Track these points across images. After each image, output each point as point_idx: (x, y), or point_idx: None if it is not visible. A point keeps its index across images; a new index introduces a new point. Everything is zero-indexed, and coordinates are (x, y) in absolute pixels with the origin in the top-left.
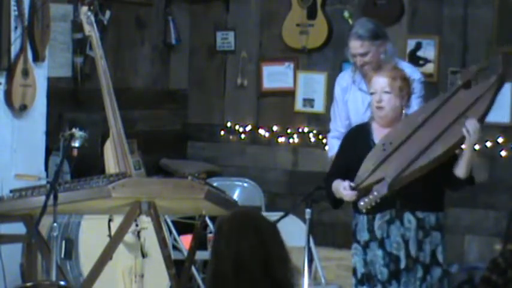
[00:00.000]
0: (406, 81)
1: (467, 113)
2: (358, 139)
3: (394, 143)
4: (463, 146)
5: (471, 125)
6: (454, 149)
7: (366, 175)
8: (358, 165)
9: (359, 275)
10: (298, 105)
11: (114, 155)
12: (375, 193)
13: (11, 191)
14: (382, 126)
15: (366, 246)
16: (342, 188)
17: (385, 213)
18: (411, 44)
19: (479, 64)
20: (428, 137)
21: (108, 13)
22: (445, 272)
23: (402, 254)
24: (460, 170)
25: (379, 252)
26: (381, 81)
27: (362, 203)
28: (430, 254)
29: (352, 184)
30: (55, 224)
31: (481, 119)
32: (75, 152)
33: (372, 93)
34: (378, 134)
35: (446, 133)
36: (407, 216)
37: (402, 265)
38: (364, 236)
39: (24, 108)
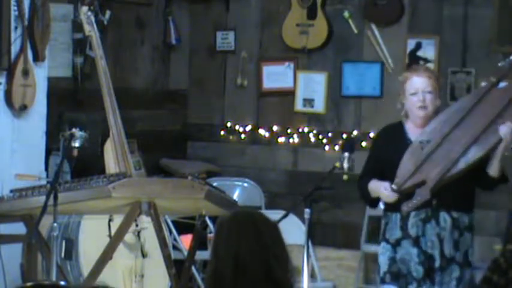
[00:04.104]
0: (439, 81)
1: (503, 114)
2: (392, 139)
3: (432, 141)
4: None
5: (507, 128)
6: (492, 151)
7: (406, 176)
8: (394, 165)
9: (381, 274)
10: (298, 105)
11: (114, 155)
12: (418, 197)
13: (11, 191)
14: (419, 126)
15: (396, 245)
16: (383, 189)
17: (420, 212)
18: (411, 44)
19: (510, 60)
20: (466, 139)
21: (108, 13)
22: (473, 275)
23: (437, 253)
24: (493, 169)
25: (414, 250)
26: (421, 81)
27: (405, 208)
28: (463, 254)
29: (394, 186)
30: (55, 224)
31: None
32: (75, 152)
33: (412, 94)
34: (414, 134)
35: (483, 136)
36: (443, 216)
37: (437, 264)
38: (395, 234)
39: (24, 108)
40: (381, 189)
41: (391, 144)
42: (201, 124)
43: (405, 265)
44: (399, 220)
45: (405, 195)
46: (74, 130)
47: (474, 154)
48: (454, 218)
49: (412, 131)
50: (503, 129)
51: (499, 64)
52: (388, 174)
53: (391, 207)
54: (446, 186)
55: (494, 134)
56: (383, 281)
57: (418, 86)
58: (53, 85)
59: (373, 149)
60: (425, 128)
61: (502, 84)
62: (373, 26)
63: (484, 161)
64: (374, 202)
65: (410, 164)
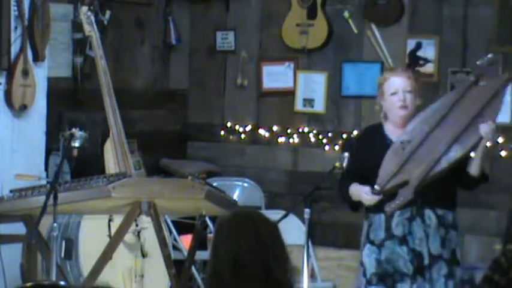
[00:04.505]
0: (418, 81)
1: (483, 113)
2: (372, 140)
3: (413, 142)
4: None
5: (487, 126)
6: (472, 150)
7: (388, 177)
8: (374, 166)
9: (368, 275)
10: (298, 105)
11: (114, 155)
12: (401, 198)
13: (11, 191)
14: (399, 126)
15: (380, 245)
16: (364, 193)
17: (405, 211)
18: (411, 44)
19: (488, 58)
20: (448, 138)
21: (108, 13)
22: (473, 275)
23: (425, 251)
24: (474, 168)
25: (403, 249)
26: (401, 81)
27: (388, 209)
28: (451, 252)
29: (376, 187)
30: (55, 224)
31: (495, 119)
32: (75, 152)
33: (392, 94)
34: (394, 134)
35: (464, 134)
36: (428, 213)
37: (426, 262)
38: (380, 235)
39: (24, 108)
40: (361, 194)
41: (371, 146)
42: (201, 124)
43: (391, 264)
44: (383, 221)
45: (388, 196)
46: (74, 130)
47: (456, 153)
48: (439, 216)
49: (392, 131)
50: (483, 128)
51: (477, 62)
52: (369, 176)
53: (374, 209)
54: (430, 185)
55: (475, 132)
56: (369, 283)
57: (398, 86)
58: (53, 85)
59: (355, 151)
60: (406, 128)
61: (482, 83)
62: (373, 26)
63: (465, 161)
64: (355, 206)
65: (392, 164)
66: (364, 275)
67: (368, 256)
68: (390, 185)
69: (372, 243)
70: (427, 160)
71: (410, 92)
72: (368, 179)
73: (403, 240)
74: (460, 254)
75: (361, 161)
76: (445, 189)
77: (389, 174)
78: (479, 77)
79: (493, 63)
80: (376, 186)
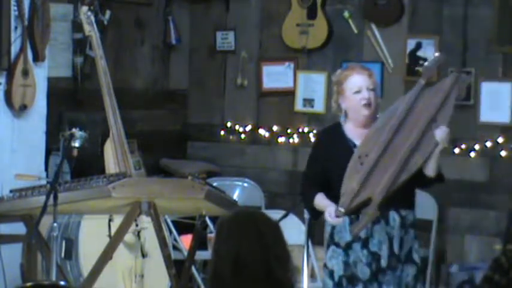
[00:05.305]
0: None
1: (436, 117)
2: (332, 141)
3: (370, 155)
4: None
5: (442, 132)
6: (430, 155)
7: (351, 197)
8: (337, 167)
9: (337, 278)
10: (298, 105)
11: (114, 155)
12: (366, 217)
13: (11, 191)
14: (362, 125)
15: (347, 248)
16: (328, 215)
17: None
18: (411, 44)
19: (436, 57)
20: (405, 147)
21: (108, 13)
22: (420, 270)
23: (385, 253)
24: (431, 169)
25: (364, 252)
26: (363, 79)
27: (356, 230)
28: (408, 251)
29: (341, 209)
30: (55, 224)
31: (448, 122)
32: (75, 152)
33: (356, 92)
34: (354, 134)
35: (421, 143)
36: (393, 215)
37: (384, 263)
38: (345, 237)
39: (24, 108)
40: (325, 214)
41: (332, 146)
42: (201, 124)
43: (357, 268)
44: (348, 223)
45: (353, 213)
46: (74, 130)
47: (415, 163)
48: (402, 216)
49: (352, 131)
50: (439, 134)
51: (425, 64)
52: (333, 180)
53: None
54: None
55: (431, 139)
56: (339, 286)
57: (361, 84)
58: (53, 85)
59: (314, 153)
60: (363, 140)
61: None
62: (373, 26)
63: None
64: (316, 214)
65: (353, 181)
66: (332, 277)
67: (335, 258)
68: (354, 205)
69: (337, 245)
70: (388, 173)
71: (373, 90)
72: (333, 182)
73: (364, 243)
74: (417, 252)
75: (324, 164)
76: (406, 189)
77: (351, 193)
78: (430, 79)
79: (442, 63)
80: (340, 209)
